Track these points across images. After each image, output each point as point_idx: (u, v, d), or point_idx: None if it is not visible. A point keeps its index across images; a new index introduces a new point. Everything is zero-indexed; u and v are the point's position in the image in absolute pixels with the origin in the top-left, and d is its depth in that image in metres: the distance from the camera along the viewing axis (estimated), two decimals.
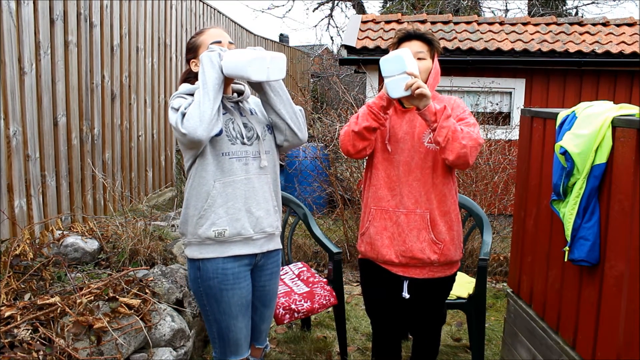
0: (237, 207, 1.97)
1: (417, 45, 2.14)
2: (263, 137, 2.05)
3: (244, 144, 1.99)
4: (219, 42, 2.01)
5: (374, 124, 2.10)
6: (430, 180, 2.16)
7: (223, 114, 1.98)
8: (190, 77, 2.07)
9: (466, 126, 2.10)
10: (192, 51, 2.07)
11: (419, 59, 2.12)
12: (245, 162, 1.99)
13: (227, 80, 1.98)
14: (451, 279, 2.31)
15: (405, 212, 2.17)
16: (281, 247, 2.19)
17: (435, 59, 2.21)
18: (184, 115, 1.83)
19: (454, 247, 2.23)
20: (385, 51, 6.20)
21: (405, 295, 2.23)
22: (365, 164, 5.07)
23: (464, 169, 2.41)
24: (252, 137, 2.02)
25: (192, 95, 1.94)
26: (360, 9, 13.64)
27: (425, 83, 2.15)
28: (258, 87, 2.03)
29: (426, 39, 2.16)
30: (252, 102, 2.16)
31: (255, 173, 2.01)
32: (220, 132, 1.93)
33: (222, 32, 2.07)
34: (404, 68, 1.99)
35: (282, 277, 3.14)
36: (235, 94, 2.09)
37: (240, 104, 2.07)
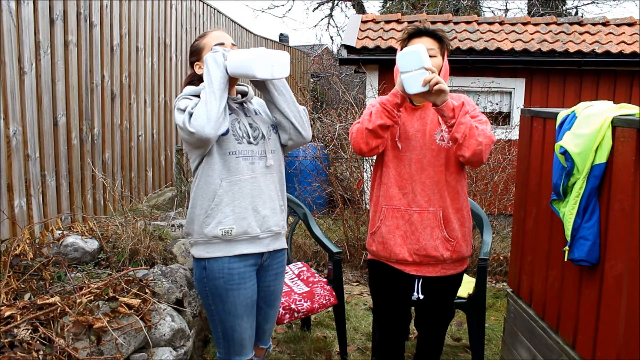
0: (244, 205, 1.98)
1: (427, 42, 2.13)
2: (268, 137, 2.07)
3: (250, 143, 2.01)
4: (222, 43, 2.03)
5: (388, 121, 2.08)
6: (443, 178, 2.15)
7: (229, 114, 1.99)
8: (194, 80, 2.09)
9: (479, 124, 2.10)
10: (196, 54, 2.08)
11: (429, 56, 2.11)
12: (251, 162, 2.00)
13: (231, 81, 2.00)
14: (461, 276, 2.32)
15: (418, 211, 2.16)
16: (286, 246, 2.20)
17: (446, 57, 2.19)
18: (191, 114, 1.85)
19: (465, 243, 2.23)
20: (385, 51, 6.20)
21: (419, 296, 2.22)
22: (365, 163, 5.09)
23: (477, 167, 2.41)
24: (257, 136, 2.04)
25: (197, 96, 1.95)
26: (360, 8, 13.64)
27: None
28: (262, 87, 2.04)
29: (437, 36, 2.15)
30: (256, 103, 2.18)
31: (261, 172, 2.02)
32: (227, 131, 1.95)
33: (225, 34, 2.09)
34: (422, 63, 1.97)
35: None
36: (239, 95, 2.11)
37: (244, 104, 2.09)
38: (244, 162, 1.98)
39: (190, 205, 2.04)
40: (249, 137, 2.01)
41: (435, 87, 1.97)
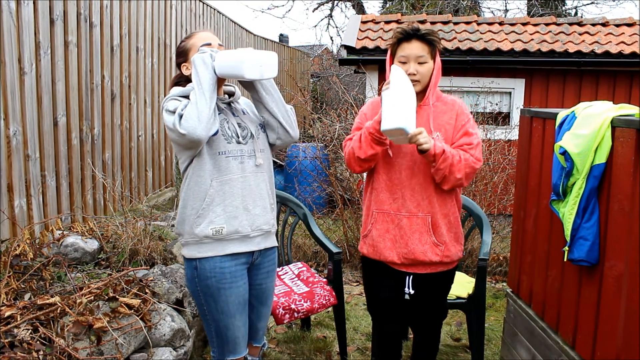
0: (235, 205, 1.99)
1: (417, 48, 2.12)
2: (257, 136, 2.08)
3: (239, 142, 2.02)
4: (209, 44, 2.03)
5: (378, 149, 2.14)
6: (432, 185, 2.17)
7: (218, 113, 2.00)
8: (181, 81, 2.09)
9: (468, 147, 2.13)
10: (183, 55, 2.08)
11: (419, 63, 2.11)
12: (241, 161, 2.01)
13: (219, 82, 2.00)
14: (452, 272, 2.33)
15: (407, 216, 2.18)
16: (277, 244, 2.21)
17: (437, 56, 2.19)
18: (181, 116, 1.85)
19: (454, 247, 2.24)
20: (384, 51, 6.19)
21: (410, 291, 2.24)
22: None
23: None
24: (246, 135, 2.05)
25: (185, 97, 1.96)
26: (359, 9, 13.64)
27: (428, 83, 2.16)
28: (250, 87, 2.06)
29: (426, 40, 2.14)
30: (243, 102, 2.18)
31: (251, 171, 2.03)
32: (217, 131, 1.95)
33: (212, 34, 2.09)
34: (407, 135, 2.02)
35: (282, 277, 3.14)
36: (226, 96, 2.12)
37: (232, 104, 2.10)
38: (234, 162, 1.99)
39: (181, 205, 2.04)
40: (238, 137, 2.02)
41: (419, 148, 2.05)
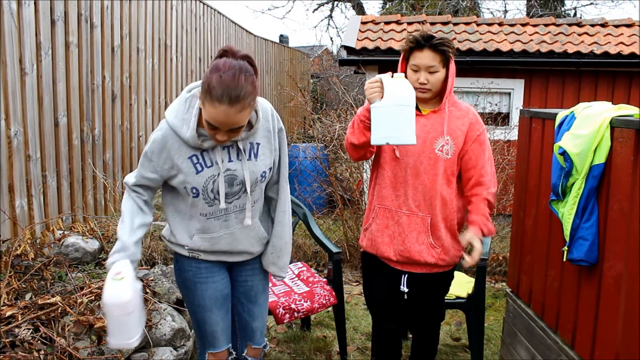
0: (219, 254, 1.98)
1: (428, 58, 2.09)
2: (253, 189, 1.89)
3: (224, 201, 1.87)
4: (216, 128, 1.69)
5: (369, 135, 2.12)
6: (435, 187, 2.17)
7: (208, 166, 1.81)
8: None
9: (484, 163, 2.20)
10: (202, 94, 1.68)
11: (430, 72, 2.10)
12: (225, 219, 1.91)
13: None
14: (449, 274, 2.33)
15: (407, 214, 2.19)
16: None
17: (450, 63, 2.14)
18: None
19: (452, 251, 2.25)
20: (384, 52, 6.21)
21: (404, 289, 2.26)
22: (365, 163, 5.10)
23: None
24: (237, 192, 1.88)
25: (177, 132, 1.82)
26: (359, 9, 13.65)
27: (441, 92, 2.17)
28: None
29: (438, 49, 2.09)
30: (261, 128, 1.89)
31: (237, 226, 1.94)
32: (197, 194, 1.82)
33: (227, 120, 1.66)
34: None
35: None
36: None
37: (239, 143, 1.83)
38: (216, 222, 1.90)
39: (168, 233, 2.02)
40: (225, 197, 1.85)
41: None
